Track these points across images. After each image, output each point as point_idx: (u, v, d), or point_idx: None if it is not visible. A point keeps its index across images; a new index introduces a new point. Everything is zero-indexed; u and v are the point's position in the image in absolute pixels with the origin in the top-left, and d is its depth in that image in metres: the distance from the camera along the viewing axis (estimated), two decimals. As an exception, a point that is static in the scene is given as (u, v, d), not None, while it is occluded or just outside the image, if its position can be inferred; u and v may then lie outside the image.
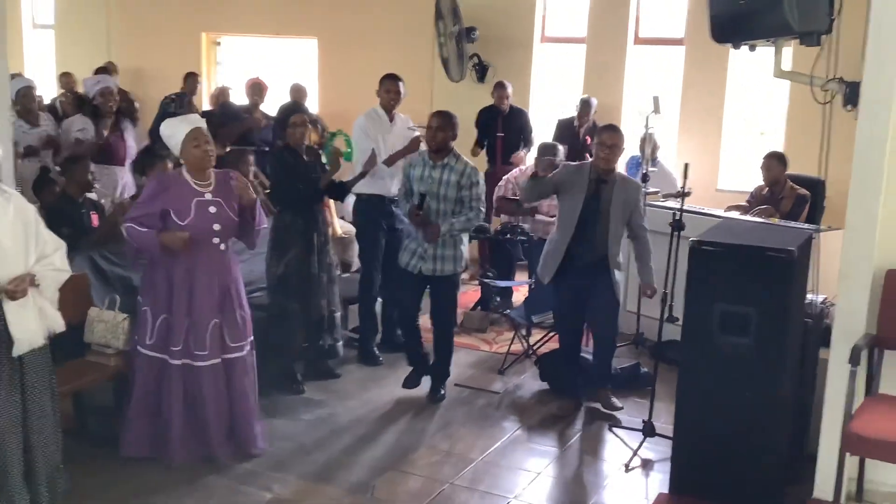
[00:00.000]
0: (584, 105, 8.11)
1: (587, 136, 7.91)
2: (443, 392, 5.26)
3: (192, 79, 9.20)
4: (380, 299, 5.99)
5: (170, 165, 5.45)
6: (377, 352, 5.86)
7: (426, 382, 5.30)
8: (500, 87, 7.98)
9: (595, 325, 5.23)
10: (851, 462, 3.63)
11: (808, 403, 4.24)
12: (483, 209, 5.14)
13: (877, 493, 3.69)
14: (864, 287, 3.56)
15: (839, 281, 3.67)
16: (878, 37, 3.38)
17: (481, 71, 8.80)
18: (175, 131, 4.15)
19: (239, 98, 8.64)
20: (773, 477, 3.87)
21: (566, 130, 8.13)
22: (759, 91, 8.83)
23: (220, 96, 8.95)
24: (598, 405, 5.16)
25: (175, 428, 4.15)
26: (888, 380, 3.56)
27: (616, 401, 5.13)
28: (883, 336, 3.53)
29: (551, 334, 5.92)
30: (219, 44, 10.71)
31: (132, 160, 6.58)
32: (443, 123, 5.00)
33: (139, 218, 4.09)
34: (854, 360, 3.31)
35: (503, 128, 7.92)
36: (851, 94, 3.56)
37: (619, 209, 4.92)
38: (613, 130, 5.00)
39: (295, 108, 5.58)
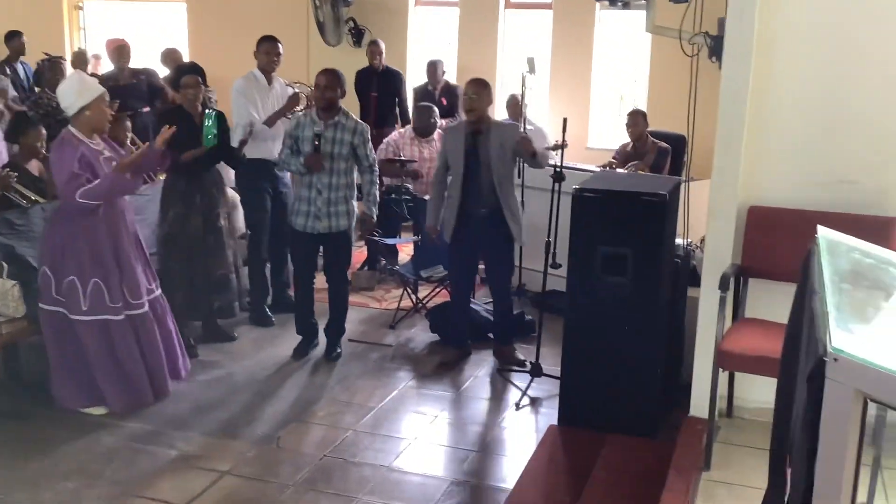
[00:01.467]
0: (431, 67, 8.26)
1: (442, 97, 8.08)
2: (339, 350, 5.37)
3: (15, 39, 8.61)
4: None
5: (43, 132, 5.31)
6: (269, 312, 5.90)
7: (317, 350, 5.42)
8: (372, 44, 8.09)
9: (491, 276, 5.39)
10: (723, 382, 4.00)
11: (681, 338, 4.60)
12: (376, 166, 5.26)
13: (745, 409, 4.08)
14: (730, 222, 3.91)
15: (708, 218, 4.00)
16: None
17: (357, 35, 8.86)
18: (86, 89, 4.30)
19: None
20: (652, 404, 4.19)
21: (424, 96, 8.27)
22: (623, 54, 9.27)
23: (77, 61, 8.62)
24: (501, 359, 5.32)
25: (136, 377, 4.44)
26: (753, 305, 3.93)
27: (520, 355, 5.30)
28: (747, 265, 3.90)
29: (439, 289, 6.13)
30: (81, 8, 10.27)
31: (3, 129, 6.30)
32: (331, 81, 5.05)
33: (82, 183, 4.17)
34: (723, 286, 3.65)
35: (377, 87, 8.01)
36: (716, 46, 3.88)
37: (498, 154, 5.01)
38: (477, 81, 5.17)
39: (189, 69, 5.45)
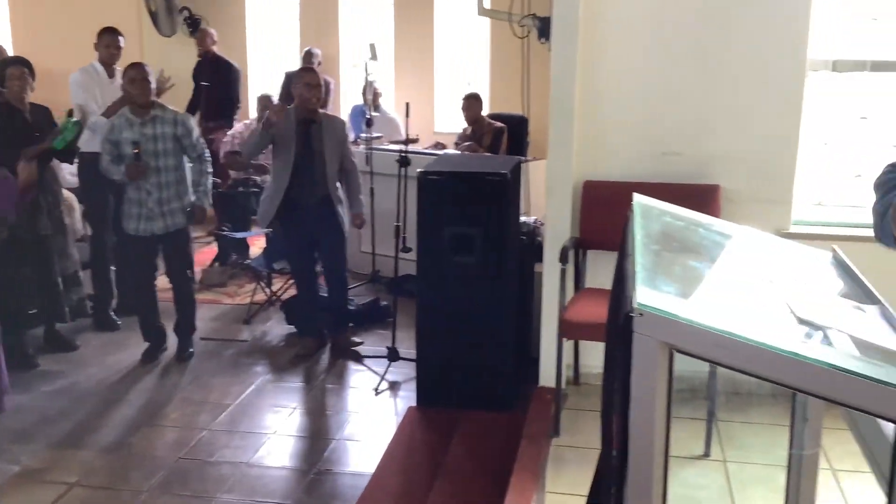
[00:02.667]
0: (308, 55, 8.21)
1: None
2: (191, 350, 5.23)
3: None
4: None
5: None
6: (115, 316, 5.67)
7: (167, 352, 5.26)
8: (201, 32, 7.90)
9: (326, 264, 5.37)
10: (569, 352, 4.16)
11: (530, 313, 4.74)
12: (207, 152, 5.13)
13: (591, 375, 4.28)
14: (567, 197, 4.07)
15: (546, 194, 4.14)
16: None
17: (193, 24, 8.58)
18: None
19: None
20: (505, 379, 4.31)
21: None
22: (467, 38, 9.40)
23: None
24: (337, 345, 5.35)
25: None
26: (593, 275, 4.12)
27: (355, 338, 5.37)
28: (584, 237, 4.08)
29: (293, 281, 6.05)
30: None
31: None
32: (142, 73, 4.88)
33: None
34: (563, 258, 3.80)
35: (209, 77, 7.81)
36: (544, 27, 4.01)
37: (332, 147, 5.05)
38: (314, 72, 5.19)
39: (13, 61, 5.14)
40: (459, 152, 6.56)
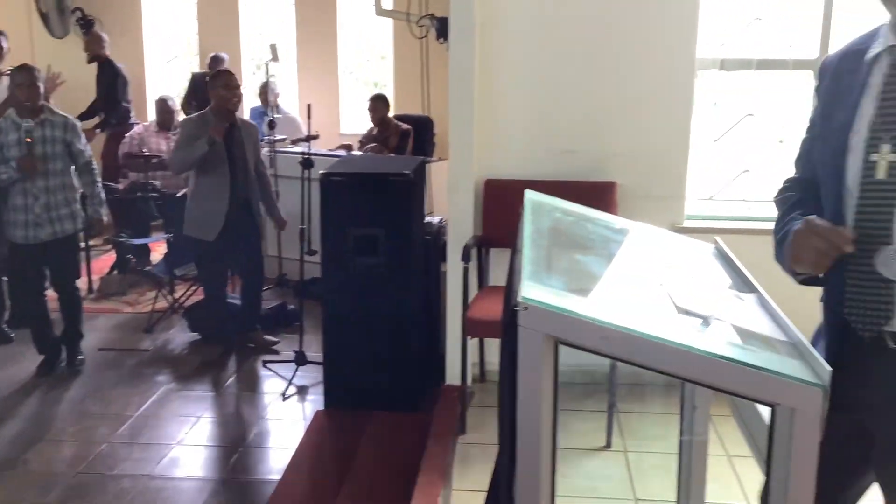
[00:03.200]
0: (214, 61, 8.04)
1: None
2: (80, 356, 5.06)
3: None
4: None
5: None
6: (7, 329, 5.44)
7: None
8: (91, 36, 7.66)
9: (241, 268, 5.33)
10: (474, 349, 4.20)
11: (437, 313, 4.76)
12: (94, 161, 5.00)
13: (495, 373, 4.31)
14: (469, 196, 4.11)
15: (448, 193, 4.17)
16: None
17: (87, 25, 8.30)
18: None
19: None
20: (412, 379, 4.32)
21: (200, 84, 7.98)
22: (369, 38, 9.38)
23: None
24: (253, 346, 5.32)
25: None
26: (496, 273, 4.16)
27: (270, 338, 5.35)
28: (486, 236, 4.12)
29: (195, 287, 5.93)
30: None
31: None
32: (29, 79, 4.71)
33: None
34: (465, 257, 3.83)
35: (98, 80, 7.59)
36: (442, 28, 4.03)
37: (250, 150, 5.09)
38: (232, 73, 5.16)
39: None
40: (363, 153, 6.55)
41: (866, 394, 1.80)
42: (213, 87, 5.02)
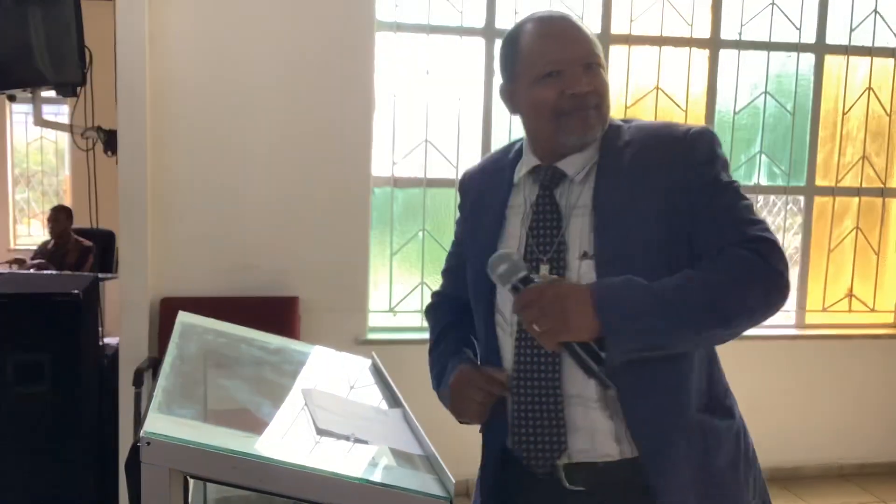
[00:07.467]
0: None
1: None
2: None
3: None
4: None
5: None
6: None
7: None
8: None
9: None
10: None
11: (115, 437, 4.39)
12: None
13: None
14: (143, 316, 3.90)
15: (121, 314, 3.93)
16: (127, 86, 3.74)
17: None
18: None
19: None
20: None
21: None
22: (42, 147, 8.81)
23: None
24: None
25: None
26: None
27: None
28: (162, 358, 3.90)
29: None
30: None
31: None
32: None
33: None
34: (137, 382, 3.60)
35: None
36: (110, 140, 3.87)
37: None
38: None
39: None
40: (29, 271, 6.06)
41: None
42: None
